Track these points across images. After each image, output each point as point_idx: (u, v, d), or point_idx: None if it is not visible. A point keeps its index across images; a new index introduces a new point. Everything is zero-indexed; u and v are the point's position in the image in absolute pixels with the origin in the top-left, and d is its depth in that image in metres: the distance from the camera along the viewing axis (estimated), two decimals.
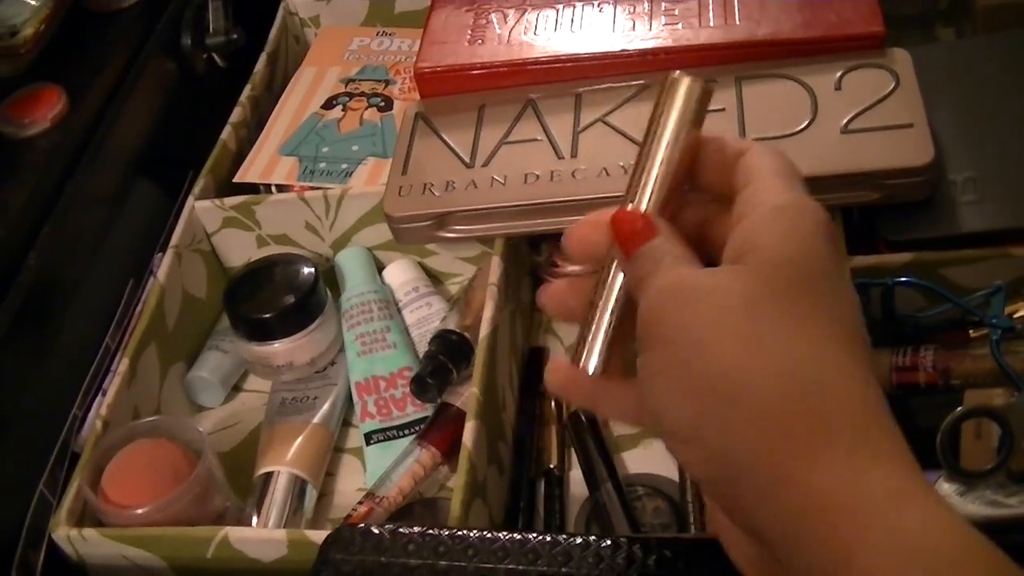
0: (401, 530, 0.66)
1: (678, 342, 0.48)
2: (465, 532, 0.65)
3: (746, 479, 0.45)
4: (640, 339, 0.50)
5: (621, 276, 0.54)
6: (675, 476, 0.89)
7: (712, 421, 0.46)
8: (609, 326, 0.55)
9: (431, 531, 0.65)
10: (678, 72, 0.55)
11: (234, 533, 0.81)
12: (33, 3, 1.10)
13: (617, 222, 0.53)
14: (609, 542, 0.63)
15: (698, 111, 0.55)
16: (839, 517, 0.43)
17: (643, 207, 0.54)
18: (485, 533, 0.65)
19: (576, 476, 0.92)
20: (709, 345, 0.47)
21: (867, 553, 0.42)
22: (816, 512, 0.43)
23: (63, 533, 0.83)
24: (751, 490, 0.45)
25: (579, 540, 0.64)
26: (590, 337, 0.55)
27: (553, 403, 0.96)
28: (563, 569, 0.63)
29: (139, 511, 0.83)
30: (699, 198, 0.56)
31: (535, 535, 0.64)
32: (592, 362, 0.55)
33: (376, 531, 0.66)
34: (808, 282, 0.47)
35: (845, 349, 0.47)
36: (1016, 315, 0.81)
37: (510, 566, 0.63)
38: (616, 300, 0.55)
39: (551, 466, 0.92)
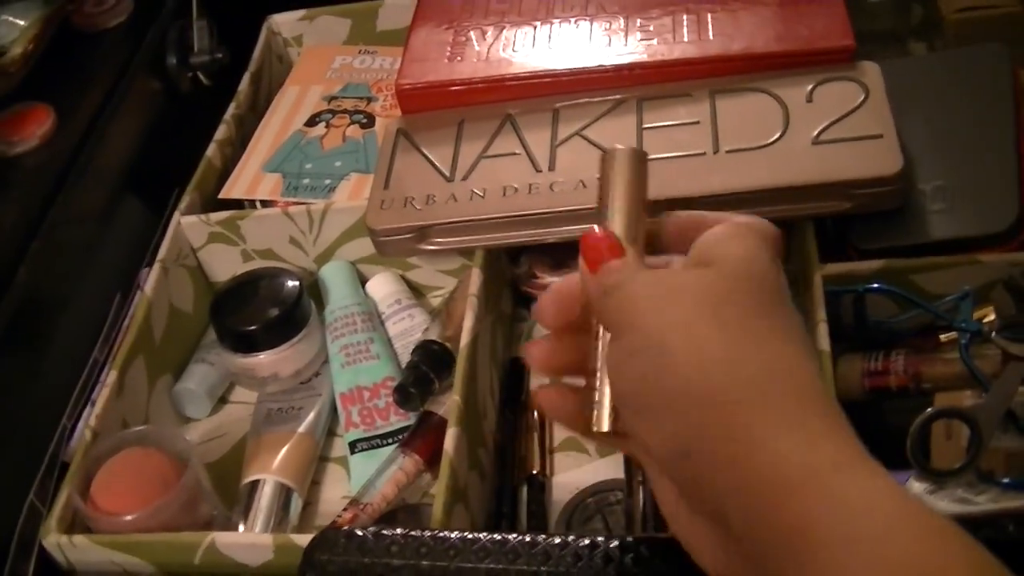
0: (384, 532, 0.67)
1: (653, 326, 0.52)
2: (446, 533, 0.66)
3: (715, 452, 0.49)
4: (612, 327, 0.55)
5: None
6: None
7: (687, 396, 0.50)
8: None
9: (413, 532, 0.66)
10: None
11: (221, 538, 0.82)
12: (21, 23, 1.12)
13: (588, 239, 0.58)
14: (587, 541, 0.64)
15: (642, 172, 0.60)
16: (794, 487, 0.46)
17: (613, 230, 0.59)
18: (466, 534, 0.65)
19: (558, 481, 0.93)
20: (685, 329, 0.51)
21: (815, 518, 0.45)
22: (774, 482, 0.47)
23: (54, 540, 0.84)
24: (717, 463, 0.49)
25: (557, 540, 0.64)
26: (598, 399, 0.58)
27: (536, 412, 0.97)
28: (542, 568, 0.64)
29: (128, 518, 0.84)
30: None
31: (515, 536, 0.65)
32: (605, 423, 0.58)
33: (360, 533, 0.67)
34: (762, 292, 0.53)
35: (799, 345, 0.52)
36: (985, 320, 0.82)
37: (490, 565, 0.64)
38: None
39: (534, 472, 0.93)
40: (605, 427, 0.58)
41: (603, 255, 0.57)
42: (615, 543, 0.64)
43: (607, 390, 0.57)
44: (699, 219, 0.58)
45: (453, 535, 0.66)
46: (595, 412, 0.58)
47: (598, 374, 0.58)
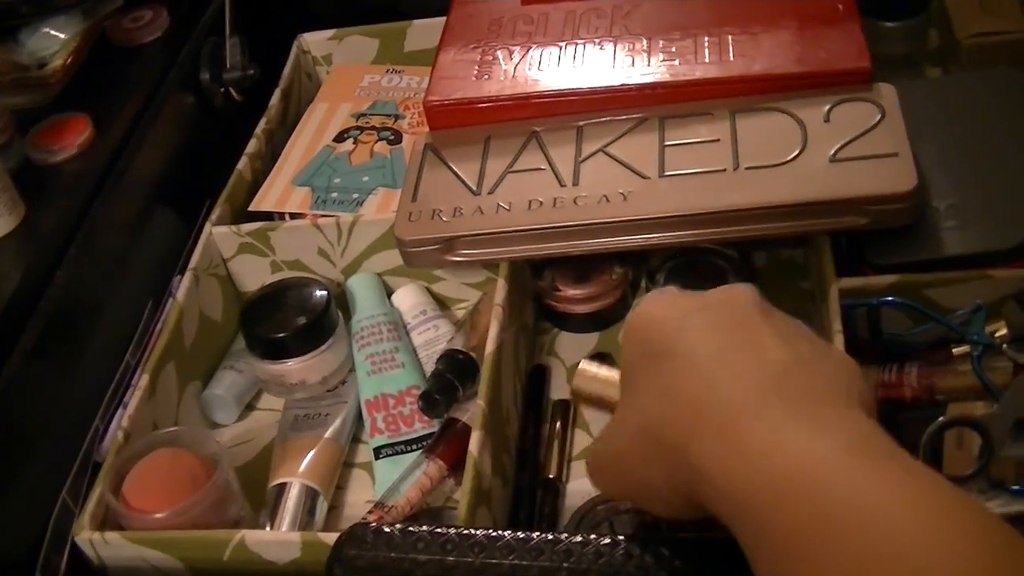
0: (411, 528, 0.68)
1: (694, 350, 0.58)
2: (472, 531, 0.67)
3: (726, 456, 0.52)
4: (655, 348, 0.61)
5: None
6: None
7: (707, 407, 0.55)
8: None
9: (439, 529, 0.67)
10: None
11: (250, 536, 0.84)
12: (62, 36, 1.15)
13: None
14: (608, 540, 0.65)
15: None
16: (802, 474, 0.48)
17: None
18: (490, 531, 0.67)
19: (573, 487, 0.95)
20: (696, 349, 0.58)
21: (827, 507, 0.47)
22: (783, 471, 0.49)
23: (86, 536, 0.86)
24: (726, 462, 0.52)
25: (579, 538, 0.66)
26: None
27: (558, 423, 0.99)
28: (564, 564, 0.65)
29: (158, 515, 0.86)
30: None
31: (538, 533, 0.66)
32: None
33: (387, 529, 0.68)
34: (735, 311, 0.60)
35: (797, 347, 0.57)
36: (996, 333, 0.84)
37: (514, 562, 0.66)
38: None
39: (550, 476, 0.95)
40: None
41: None
42: (635, 542, 0.65)
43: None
44: None
45: (478, 532, 0.67)
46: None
47: None
